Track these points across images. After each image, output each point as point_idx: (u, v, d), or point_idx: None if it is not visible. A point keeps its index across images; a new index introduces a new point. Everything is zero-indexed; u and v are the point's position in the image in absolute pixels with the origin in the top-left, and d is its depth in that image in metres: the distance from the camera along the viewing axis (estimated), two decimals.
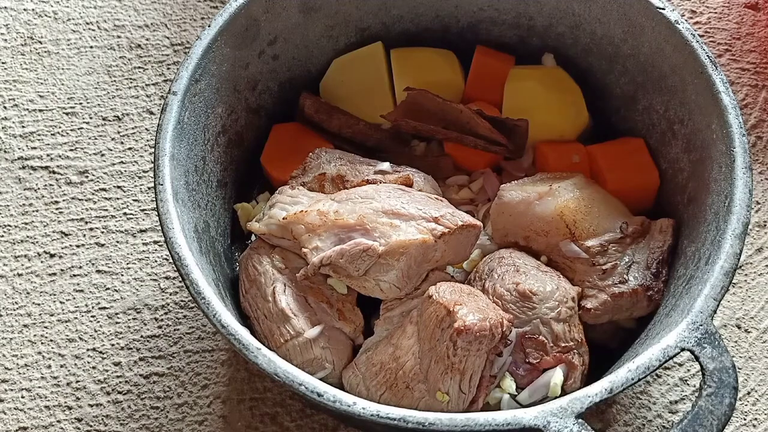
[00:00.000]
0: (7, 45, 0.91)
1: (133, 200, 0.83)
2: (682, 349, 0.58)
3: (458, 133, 0.77)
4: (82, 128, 0.87)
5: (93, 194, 0.83)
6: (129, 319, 0.77)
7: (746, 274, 0.80)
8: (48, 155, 0.85)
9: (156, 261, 0.79)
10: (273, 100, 0.80)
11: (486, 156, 0.78)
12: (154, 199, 0.65)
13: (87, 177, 0.84)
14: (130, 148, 0.85)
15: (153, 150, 0.67)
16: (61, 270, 0.79)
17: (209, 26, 0.71)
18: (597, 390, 0.56)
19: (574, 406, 0.55)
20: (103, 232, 0.81)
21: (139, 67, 0.90)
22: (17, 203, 0.82)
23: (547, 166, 0.77)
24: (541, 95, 0.79)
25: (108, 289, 0.78)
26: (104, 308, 0.77)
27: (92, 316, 0.77)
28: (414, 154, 0.79)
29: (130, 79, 0.90)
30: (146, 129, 0.87)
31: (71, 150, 0.85)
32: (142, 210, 0.82)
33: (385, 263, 0.63)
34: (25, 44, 0.91)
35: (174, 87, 0.68)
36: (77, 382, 0.74)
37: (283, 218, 0.67)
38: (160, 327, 0.76)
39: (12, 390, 0.73)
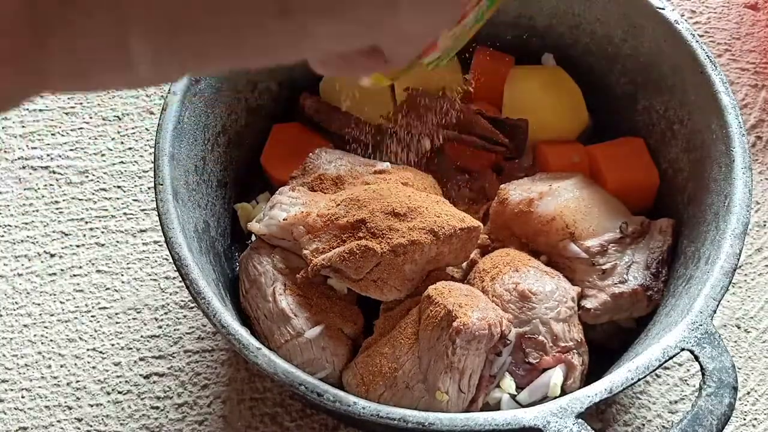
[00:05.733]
0: None
1: (133, 200, 0.83)
2: (682, 349, 0.58)
3: (458, 133, 0.77)
4: (82, 128, 0.87)
5: (93, 194, 0.83)
6: (129, 319, 0.77)
7: (746, 274, 0.80)
8: (48, 155, 0.85)
9: (156, 261, 0.79)
10: (273, 100, 0.80)
11: (486, 156, 0.78)
12: (154, 199, 0.65)
13: (87, 177, 0.84)
14: (130, 148, 0.86)
15: (153, 150, 0.67)
16: (61, 270, 0.79)
17: None
18: (597, 390, 0.56)
19: (573, 406, 0.55)
20: (103, 232, 0.81)
21: None
22: (17, 203, 0.82)
23: (547, 166, 0.77)
24: (541, 95, 0.79)
25: (108, 289, 0.78)
26: (104, 308, 0.77)
27: (92, 316, 0.77)
28: (414, 154, 0.79)
29: None
30: (146, 129, 0.87)
31: (71, 150, 0.85)
32: (142, 210, 0.82)
33: (385, 265, 0.63)
34: None
35: (174, 87, 0.68)
36: (77, 382, 0.74)
37: (284, 219, 0.67)
38: (160, 327, 0.76)
39: (12, 390, 0.73)
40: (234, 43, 0.23)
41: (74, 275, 0.79)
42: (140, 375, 0.74)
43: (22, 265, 0.79)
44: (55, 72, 0.23)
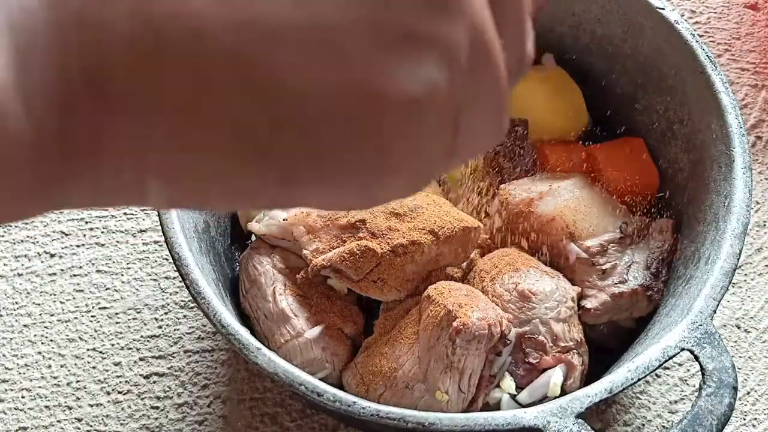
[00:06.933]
0: None
1: None
2: (682, 349, 0.58)
3: None
4: None
5: None
6: (129, 319, 0.77)
7: (746, 274, 0.80)
8: None
9: (156, 261, 0.79)
10: None
11: (486, 156, 0.78)
12: None
13: None
14: None
15: None
16: (61, 270, 0.79)
17: None
18: (597, 390, 0.56)
19: (573, 406, 0.55)
20: (103, 232, 0.81)
21: None
22: None
23: (547, 166, 0.77)
24: (541, 95, 0.79)
25: (108, 288, 0.78)
26: (104, 308, 0.77)
27: (92, 316, 0.77)
28: None
29: None
30: None
31: None
32: (142, 210, 0.82)
33: (385, 265, 0.63)
34: None
35: None
36: (77, 382, 0.74)
37: (284, 219, 0.67)
38: (160, 327, 0.76)
39: (12, 390, 0.73)
40: (233, 200, 0.26)
41: (74, 275, 0.79)
42: (140, 375, 0.74)
43: (22, 265, 0.79)
44: (71, 203, 0.25)
